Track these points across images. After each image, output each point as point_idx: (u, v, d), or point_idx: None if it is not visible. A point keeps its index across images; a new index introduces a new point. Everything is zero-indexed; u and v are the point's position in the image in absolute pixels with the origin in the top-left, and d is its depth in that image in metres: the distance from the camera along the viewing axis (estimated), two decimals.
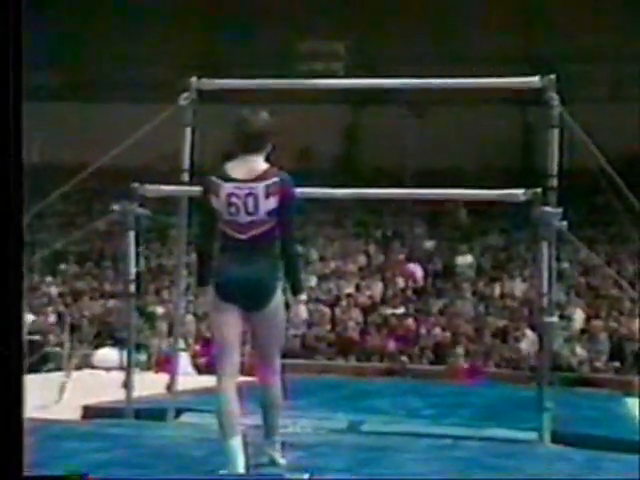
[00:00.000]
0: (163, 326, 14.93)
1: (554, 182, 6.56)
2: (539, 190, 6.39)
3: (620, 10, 20.60)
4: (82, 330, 14.91)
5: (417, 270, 17.40)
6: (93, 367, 11.97)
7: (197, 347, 14.43)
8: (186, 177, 7.07)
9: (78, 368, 10.93)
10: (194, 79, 7.11)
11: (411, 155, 19.45)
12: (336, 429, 6.84)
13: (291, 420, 6.59)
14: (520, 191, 6.45)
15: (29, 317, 14.00)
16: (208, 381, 11.00)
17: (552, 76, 6.66)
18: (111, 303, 15.96)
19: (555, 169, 6.59)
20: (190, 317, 15.08)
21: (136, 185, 6.91)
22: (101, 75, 23.08)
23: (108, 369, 10.63)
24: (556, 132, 6.61)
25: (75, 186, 7.41)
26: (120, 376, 7.29)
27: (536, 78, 6.73)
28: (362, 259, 18.58)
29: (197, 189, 7.27)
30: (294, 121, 21.08)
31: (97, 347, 13.00)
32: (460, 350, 14.25)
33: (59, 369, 10.80)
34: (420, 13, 21.64)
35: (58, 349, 12.43)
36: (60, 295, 17.26)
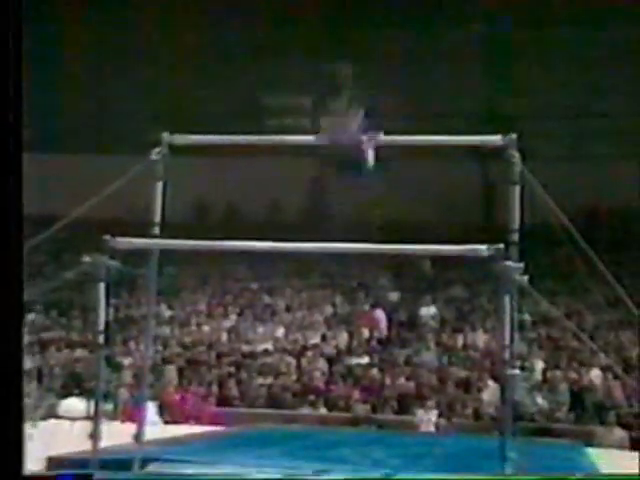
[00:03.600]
0: (129, 376, 14.89)
1: (516, 237, 6.77)
2: (501, 246, 6.59)
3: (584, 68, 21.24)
4: (49, 380, 14.78)
5: (382, 318, 17.48)
6: (58, 417, 11.89)
7: (177, 397, 14.43)
8: (157, 230, 7.20)
9: (44, 418, 10.86)
10: (166, 134, 7.25)
11: (376, 208, 19.71)
12: (301, 478, 6.90)
13: (256, 469, 6.65)
14: (483, 247, 6.64)
15: None
16: (175, 431, 11.04)
17: (513, 135, 6.91)
18: (78, 353, 15.89)
19: (517, 224, 6.80)
20: (171, 366, 15.16)
21: (107, 238, 7.01)
22: (70, 125, 23.13)
23: (74, 419, 10.57)
24: (517, 189, 6.83)
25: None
26: (86, 426, 7.29)
27: (498, 137, 6.97)
28: (328, 309, 18.68)
29: (167, 242, 7.41)
30: (262, 174, 21.43)
31: (63, 397, 12.90)
32: (429, 403, 14.31)
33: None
34: (387, 70, 22.06)
35: (24, 399, 12.33)
36: (27, 345, 17.11)
